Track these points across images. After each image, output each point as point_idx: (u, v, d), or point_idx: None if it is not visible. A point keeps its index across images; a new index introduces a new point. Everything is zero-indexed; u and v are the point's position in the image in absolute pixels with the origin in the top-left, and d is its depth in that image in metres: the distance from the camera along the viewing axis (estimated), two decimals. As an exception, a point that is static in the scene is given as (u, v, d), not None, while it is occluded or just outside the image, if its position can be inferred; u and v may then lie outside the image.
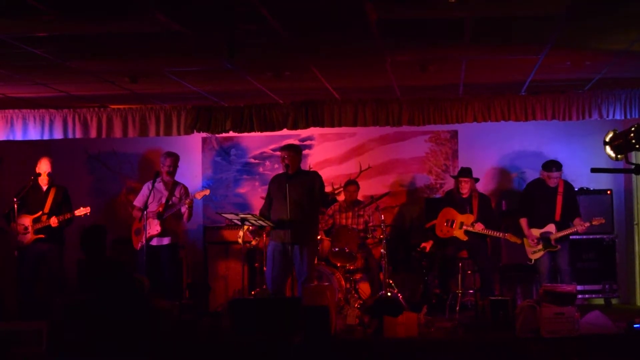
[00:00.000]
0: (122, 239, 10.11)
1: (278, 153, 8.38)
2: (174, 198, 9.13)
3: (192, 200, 9.09)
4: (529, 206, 8.92)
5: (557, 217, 8.77)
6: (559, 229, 8.72)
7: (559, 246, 8.71)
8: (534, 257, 8.81)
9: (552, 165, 8.82)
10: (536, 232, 8.78)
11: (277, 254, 8.19)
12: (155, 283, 8.38)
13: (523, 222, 8.88)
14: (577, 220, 8.75)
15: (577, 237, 9.31)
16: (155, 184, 9.06)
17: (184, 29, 5.87)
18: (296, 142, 10.24)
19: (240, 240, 8.94)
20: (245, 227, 8.76)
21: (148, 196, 8.90)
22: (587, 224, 8.65)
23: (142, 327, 6.82)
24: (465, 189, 9.18)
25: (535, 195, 8.92)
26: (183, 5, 5.42)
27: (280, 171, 8.63)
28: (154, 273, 8.74)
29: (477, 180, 9.34)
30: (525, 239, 8.85)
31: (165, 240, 9.07)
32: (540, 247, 8.74)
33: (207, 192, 9.20)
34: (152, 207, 8.98)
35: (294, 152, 8.29)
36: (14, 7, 5.29)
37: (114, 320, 6.81)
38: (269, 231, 8.42)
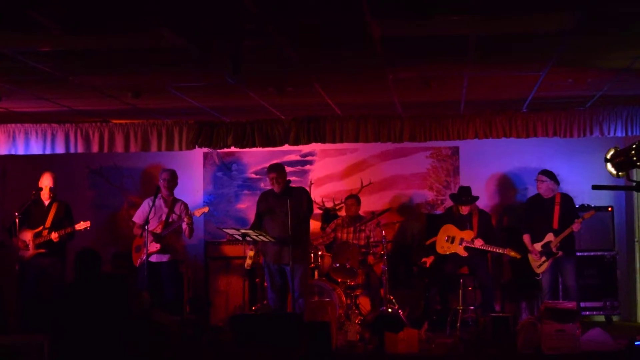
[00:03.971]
0: (123, 253, 10.10)
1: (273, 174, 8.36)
2: (173, 215, 9.11)
3: (192, 217, 9.07)
4: (530, 222, 8.94)
5: (555, 225, 8.76)
6: (557, 236, 8.72)
7: (560, 252, 8.69)
8: (540, 270, 8.80)
9: (544, 173, 8.89)
10: (538, 246, 8.79)
11: (274, 272, 8.31)
12: (156, 299, 8.36)
13: (526, 238, 8.89)
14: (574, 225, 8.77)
15: (578, 254, 9.30)
16: (156, 201, 9.06)
17: (189, 45, 5.89)
18: (297, 158, 10.28)
19: (247, 267, 8.85)
20: (252, 252, 8.71)
21: (149, 212, 8.88)
22: (580, 220, 8.67)
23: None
24: (464, 210, 9.21)
25: (534, 210, 8.94)
26: (188, 21, 5.44)
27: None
28: (155, 289, 8.71)
29: (476, 198, 9.33)
30: (529, 255, 8.85)
31: (165, 258, 9.02)
32: (544, 259, 8.74)
33: (206, 209, 9.15)
34: (153, 223, 8.96)
35: (281, 172, 8.35)
36: (18, 22, 5.31)
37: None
38: (263, 249, 8.43)
